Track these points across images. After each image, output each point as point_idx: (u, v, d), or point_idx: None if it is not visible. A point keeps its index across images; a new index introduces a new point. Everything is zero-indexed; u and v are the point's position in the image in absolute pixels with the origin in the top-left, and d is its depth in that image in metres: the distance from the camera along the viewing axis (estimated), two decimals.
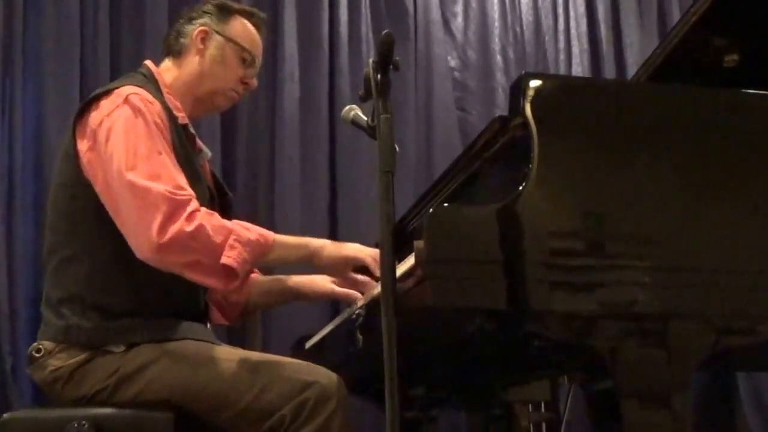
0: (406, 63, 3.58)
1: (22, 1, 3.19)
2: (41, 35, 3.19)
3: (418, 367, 1.97)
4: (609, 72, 3.87)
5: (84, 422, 1.67)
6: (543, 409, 2.20)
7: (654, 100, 1.56)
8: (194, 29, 2.01)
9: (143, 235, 1.69)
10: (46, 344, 1.78)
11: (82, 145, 1.80)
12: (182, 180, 1.75)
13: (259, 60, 2.07)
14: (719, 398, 3.58)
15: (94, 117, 1.81)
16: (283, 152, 3.42)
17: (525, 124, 1.45)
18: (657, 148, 1.50)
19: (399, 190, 1.47)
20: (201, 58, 2.00)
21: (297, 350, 2.35)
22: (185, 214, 1.68)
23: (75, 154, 1.81)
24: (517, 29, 3.88)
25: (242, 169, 3.41)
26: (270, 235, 1.80)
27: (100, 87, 1.91)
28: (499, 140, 1.62)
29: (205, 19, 2.02)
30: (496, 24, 3.84)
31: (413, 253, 1.39)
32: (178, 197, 1.70)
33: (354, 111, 1.62)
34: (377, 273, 1.81)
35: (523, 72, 1.54)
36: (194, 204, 1.72)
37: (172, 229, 1.67)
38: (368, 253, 1.89)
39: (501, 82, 3.75)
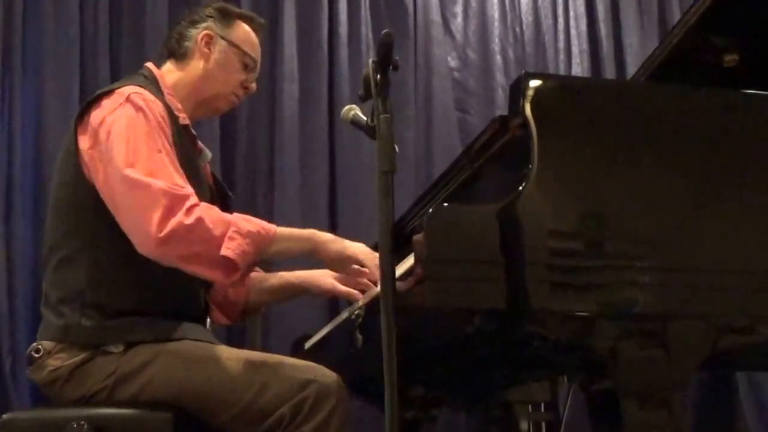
0: (406, 63, 3.58)
1: (22, 1, 3.19)
2: (41, 35, 3.20)
3: (417, 367, 1.97)
4: (609, 72, 3.87)
5: (83, 422, 1.66)
6: (543, 410, 2.19)
7: (654, 100, 1.56)
8: (198, 33, 2.02)
9: (144, 230, 1.69)
10: (46, 344, 1.78)
11: (84, 144, 1.81)
12: (180, 178, 1.76)
13: (259, 64, 2.09)
14: (719, 398, 3.58)
15: (95, 115, 1.82)
16: (283, 152, 3.42)
17: (525, 124, 1.45)
18: (657, 148, 1.49)
19: (399, 190, 1.47)
20: (205, 62, 2.01)
21: (297, 350, 2.35)
22: (184, 208, 1.69)
23: (76, 153, 1.82)
24: (517, 29, 3.88)
25: (242, 168, 3.42)
26: (272, 227, 1.80)
27: (100, 87, 1.92)
28: (499, 140, 1.61)
29: (209, 23, 2.03)
30: (496, 24, 3.84)
31: (413, 253, 1.39)
32: (177, 192, 1.71)
33: (353, 111, 1.62)
34: (376, 277, 1.80)
35: (523, 72, 1.54)
36: (193, 198, 1.72)
37: (172, 223, 1.67)
38: (371, 257, 1.88)
39: (501, 82, 3.75)
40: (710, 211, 1.49)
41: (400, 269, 1.44)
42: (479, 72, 3.79)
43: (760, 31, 1.93)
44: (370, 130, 1.50)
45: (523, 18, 3.90)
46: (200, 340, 1.80)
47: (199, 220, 1.69)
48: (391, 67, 1.44)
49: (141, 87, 1.86)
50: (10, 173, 3.07)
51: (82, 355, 1.76)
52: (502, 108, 3.48)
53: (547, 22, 3.93)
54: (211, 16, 2.04)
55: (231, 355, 1.77)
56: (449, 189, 1.89)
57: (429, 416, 2.47)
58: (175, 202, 1.69)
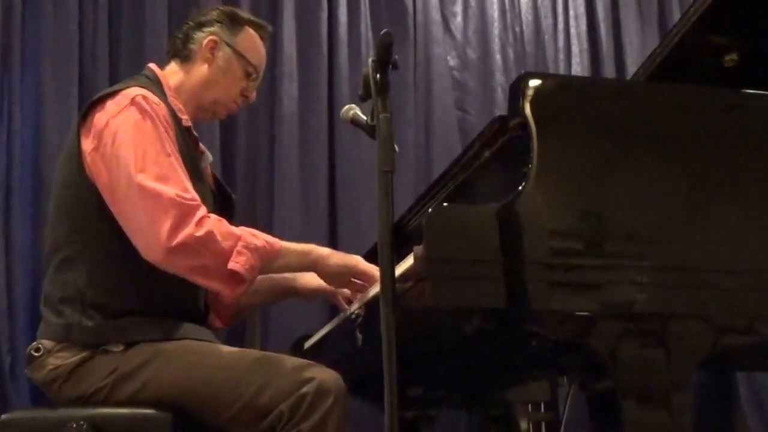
0: (406, 62, 3.58)
1: (21, 1, 3.19)
2: (40, 35, 3.19)
3: (417, 367, 1.97)
4: (609, 72, 3.87)
5: (82, 422, 1.67)
6: (543, 409, 2.20)
7: (654, 99, 1.56)
8: (204, 37, 2.01)
9: (153, 238, 1.70)
10: (46, 343, 1.79)
11: (86, 145, 1.81)
12: (189, 182, 1.77)
13: (261, 74, 2.09)
14: (719, 398, 3.58)
15: (99, 117, 1.81)
16: (282, 152, 3.41)
17: (524, 123, 1.45)
18: (657, 147, 1.49)
19: (398, 190, 1.47)
20: (208, 68, 2.01)
21: (296, 350, 2.35)
22: (195, 219, 1.70)
23: (79, 154, 1.82)
24: (517, 29, 3.87)
25: (241, 168, 3.41)
26: (276, 242, 1.81)
27: (99, 87, 1.92)
28: (499, 140, 1.61)
29: (215, 28, 2.03)
30: (496, 24, 3.84)
31: (412, 253, 1.39)
32: (187, 202, 1.72)
33: (353, 110, 1.62)
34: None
35: (523, 71, 1.54)
36: (203, 210, 1.73)
37: (182, 234, 1.68)
38: (370, 270, 1.88)
39: (500, 81, 3.74)
40: (710, 210, 1.49)
41: (400, 269, 1.43)
42: (479, 71, 3.78)
43: (760, 31, 1.93)
44: (369, 130, 1.50)
45: (523, 17, 3.90)
46: (200, 340, 1.80)
47: (209, 233, 1.70)
48: (390, 66, 1.44)
49: (145, 88, 1.86)
50: (9, 173, 3.06)
51: (82, 355, 1.76)
52: (501, 108, 3.48)
53: (546, 21, 3.92)
54: (219, 21, 2.03)
55: (231, 353, 1.77)
56: (449, 189, 1.89)
57: (428, 416, 2.47)
58: (186, 213, 1.70)
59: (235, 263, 1.71)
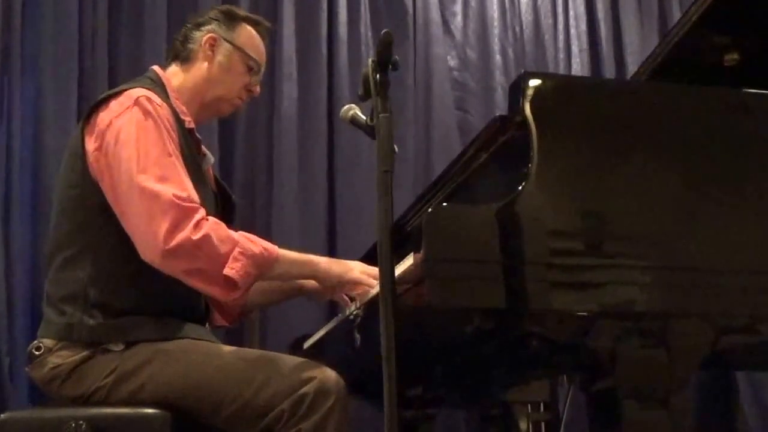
0: (405, 62, 3.58)
1: (21, 1, 3.19)
2: (40, 36, 3.19)
3: (416, 367, 1.97)
4: (609, 72, 3.86)
5: (82, 422, 1.66)
6: (542, 409, 2.19)
7: (654, 99, 1.56)
8: (202, 36, 2.02)
9: (150, 239, 1.70)
10: (47, 342, 1.79)
11: (90, 145, 1.82)
12: (190, 184, 1.77)
13: (263, 68, 2.09)
14: (719, 398, 3.58)
15: (102, 117, 1.82)
16: (282, 152, 3.41)
17: (524, 123, 1.45)
18: (657, 147, 1.49)
19: (398, 190, 1.47)
20: (209, 65, 2.01)
21: (295, 350, 2.34)
22: (193, 222, 1.70)
23: (82, 154, 1.82)
24: (517, 29, 3.87)
25: (240, 168, 3.41)
26: (274, 249, 1.81)
27: (98, 88, 1.92)
28: (499, 140, 1.61)
29: (213, 26, 2.04)
30: (496, 23, 3.84)
31: (412, 253, 1.39)
32: (186, 204, 1.72)
33: (353, 110, 1.62)
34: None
35: (523, 71, 1.54)
36: (202, 212, 1.73)
37: (179, 237, 1.69)
38: (371, 274, 1.88)
39: (500, 81, 3.74)
40: (710, 210, 1.49)
41: (399, 269, 1.43)
42: (479, 71, 3.78)
43: (760, 30, 1.93)
44: (369, 130, 1.50)
45: (523, 17, 3.90)
46: (200, 339, 1.80)
47: (206, 237, 1.70)
48: (390, 66, 1.44)
49: (149, 90, 1.87)
50: (9, 173, 3.06)
51: (82, 354, 1.76)
52: (501, 107, 3.48)
53: (546, 21, 3.92)
54: (216, 19, 2.05)
55: (230, 353, 1.77)
56: (449, 189, 1.89)
57: (428, 416, 2.47)
58: (183, 215, 1.70)
59: (231, 269, 1.71)
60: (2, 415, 1.73)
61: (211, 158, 2.09)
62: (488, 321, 1.37)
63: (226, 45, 2.02)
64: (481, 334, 1.44)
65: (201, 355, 1.75)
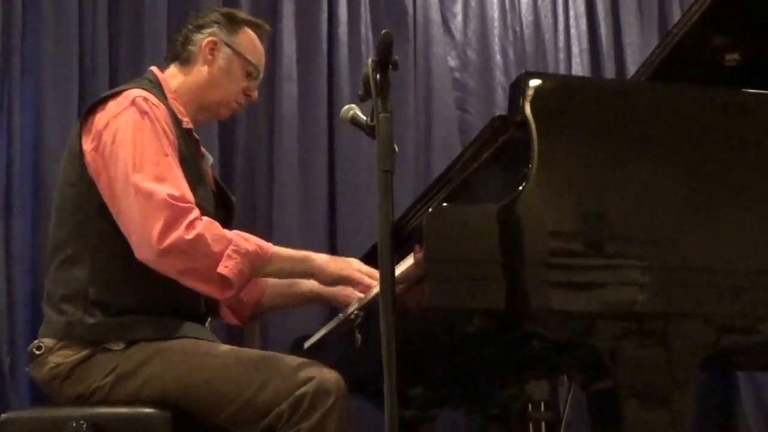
0: (406, 63, 3.57)
1: (21, 2, 3.19)
2: (40, 36, 3.19)
3: (416, 367, 1.97)
4: (609, 72, 3.86)
5: (82, 422, 1.67)
6: (543, 409, 2.19)
7: (654, 99, 1.56)
8: (203, 38, 2.02)
9: (144, 239, 1.71)
10: (47, 341, 1.79)
11: (87, 145, 1.82)
12: (185, 184, 1.77)
13: (262, 73, 2.10)
14: (719, 398, 3.58)
15: (100, 117, 1.83)
16: (282, 152, 3.41)
17: (525, 123, 1.45)
18: (657, 147, 1.49)
19: (398, 190, 1.47)
20: (209, 68, 2.02)
21: (296, 350, 2.34)
22: (186, 222, 1.71)
23: (80, 154, 1.83)
24: (517, 29, 3.87)
25: (241, 168, 3.41)
26: (269, 247, 1.81)
27: (98, 89, 1.92)
28: (499, 140, 1.61)
29: (214, 29, 2.03)
30: (496, 23, 3.83)
31: (412, 253, 1.39)
32: (179, 204, 1.72)
33: (353, 110, 1.62)
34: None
35: (523, 71, 1.54)
36: (195, 212, 1.74)
37: (173, 236, 1.69)
38: (368, 273, 1.87)
39: (501, 81, 3.74)
40: (710, 210, 1.49)
41: (399, 269, 1.43)
42: (479, 71, 3.78)
43: (761, 30, 1.93)
44: (369, 130, 1.50)
45: (523, 17, 3.90)
46: (200, 339, 1.80)
47: (200, 236, 1.71)
48: (390, 66, 1.44)
49: (146, 90, 1.87)
50: (9, 173, 3.06)
51: (83, 353, 1.76)
52: (501, 107, 3.47)
53: (547, 21, 3.92)
54: (217, 22, 2.04)
55: (231, 352, 1.77)
56: (449, 189, 1.89)
57: (428, 416, 2.47)
58: (177, 215, 1.71)
59: (225, 267, 1.72)
60: (3, 415, 1.73)
61: (209, 158, 2.09)
62: (488, 321, 1.37)
63: (227, 49, 2.02)
64: (481, 334, 1.44)
65: (201, 355, 1.75)
